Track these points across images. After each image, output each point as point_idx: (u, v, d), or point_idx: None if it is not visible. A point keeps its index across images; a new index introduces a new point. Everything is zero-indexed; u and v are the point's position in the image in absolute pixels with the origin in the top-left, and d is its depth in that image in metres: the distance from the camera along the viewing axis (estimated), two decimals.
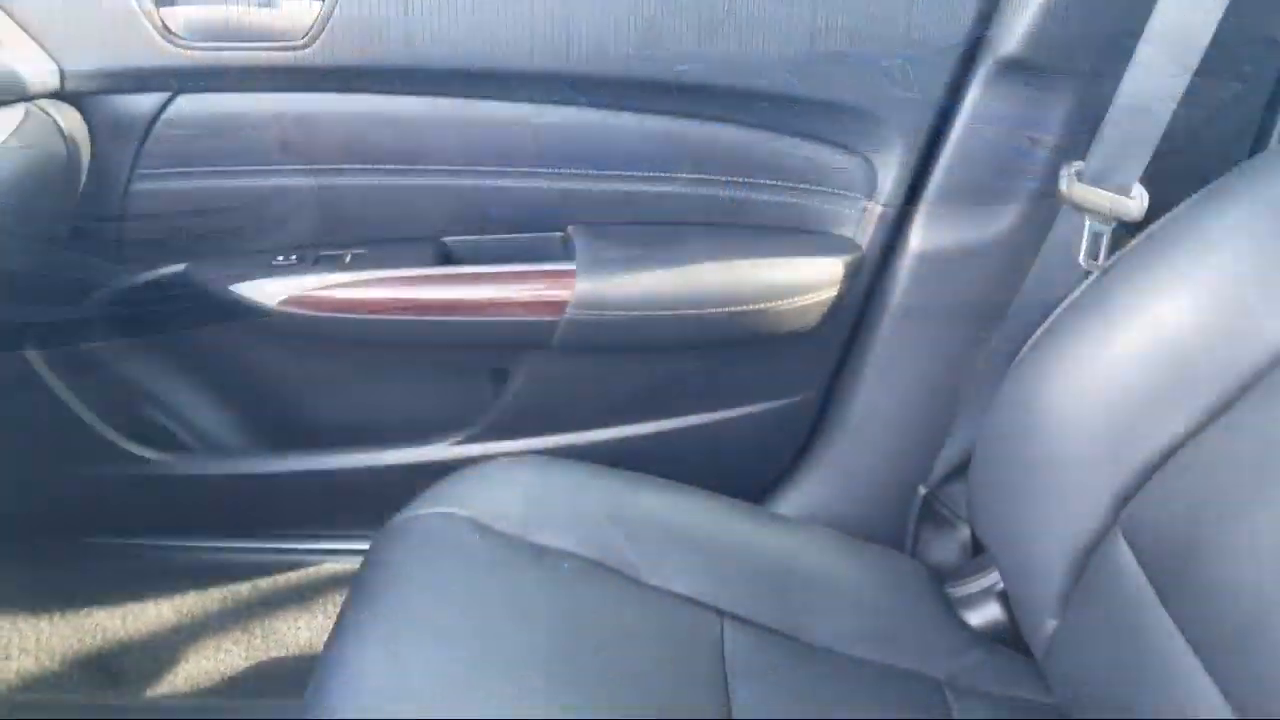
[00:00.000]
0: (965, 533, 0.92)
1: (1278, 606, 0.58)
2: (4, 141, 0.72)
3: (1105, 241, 0.79)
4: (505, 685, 0.66)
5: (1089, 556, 0.72)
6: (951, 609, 0.86)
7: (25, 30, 0.80)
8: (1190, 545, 0.65)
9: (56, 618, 1.03)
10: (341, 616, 0.71)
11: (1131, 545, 0.69)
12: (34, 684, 1.00)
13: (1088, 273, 0.80)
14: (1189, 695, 0.62)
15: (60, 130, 0.79)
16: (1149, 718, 0.65)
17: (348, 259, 0.90)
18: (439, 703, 0.64)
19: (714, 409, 0.99)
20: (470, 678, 0.66)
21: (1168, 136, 0.79)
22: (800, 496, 1.01)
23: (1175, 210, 0.73)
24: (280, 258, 0.90)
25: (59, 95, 0.81)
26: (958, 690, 0.77)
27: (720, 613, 0.76)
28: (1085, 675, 0.73)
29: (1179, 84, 0.75)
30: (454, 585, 0.72)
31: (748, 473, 0.97)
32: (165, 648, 1.03)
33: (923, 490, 0.94)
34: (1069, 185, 0.80)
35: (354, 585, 0.74)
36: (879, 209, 0.91)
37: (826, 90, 0.87)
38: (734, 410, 0.99)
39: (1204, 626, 0.62)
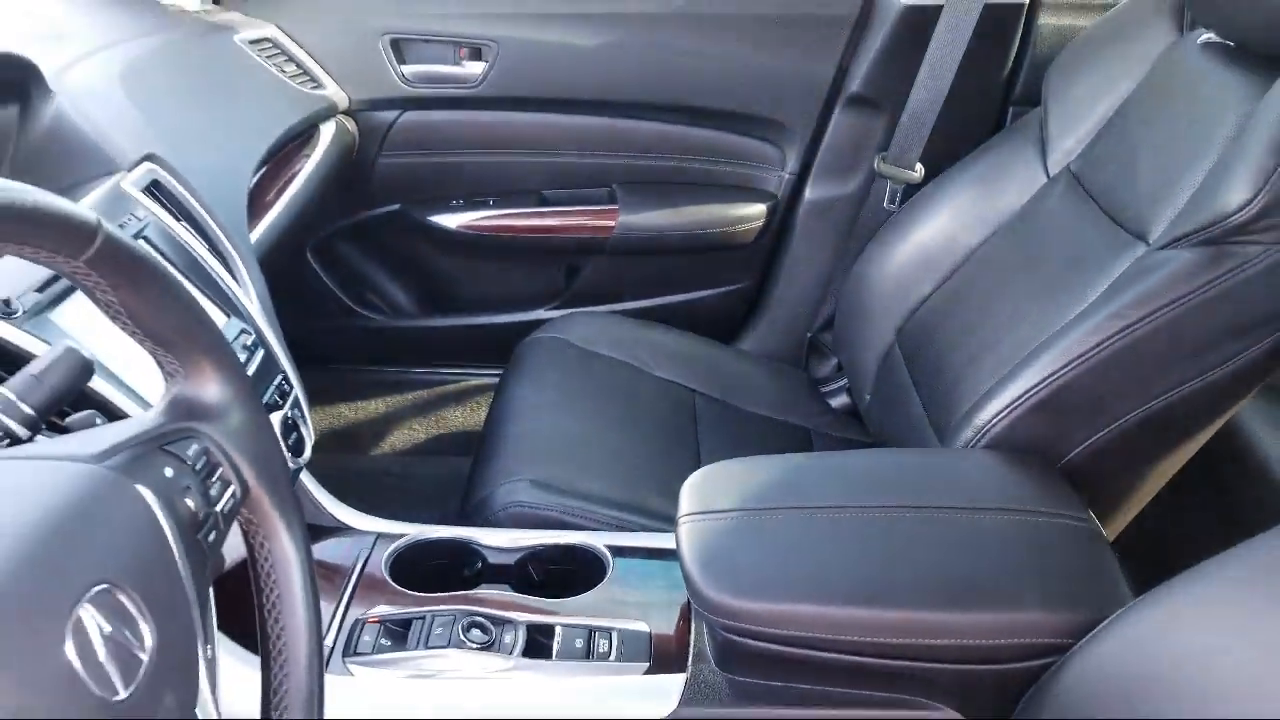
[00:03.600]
0: (833, 360, 1.61)
1: (950, 365, 1.26)
2: (332, 138, 1.42)
3: (899, 196, 1.48)
4: (583, 413, 1.34)
5: (884, 359, 1.40)
6: (822, 397, 1.55)
7: (332, 77, 1.50)
8: (924, 344, 1.33)
9: (317, 407, 1.70)
10: (500, 385, 1.41)
11: (901, 350, 1.38)
12: None
13: (890, 212, 1.48)
14: (912, 416, 1.30)
15: (349, 130, 1.48)
16: (899, 434, 1.34)
17: (490, 202, 1.60)
18: (549, 414, 1.32)
19: (694, 290, 1.68)
20: (566, 406, 1.34)
21: (940, 133, 1.45)
22: (741, 343, 1.70)
23: (936, 178, 1.41)
24: (455, 201, 1.59)
25: (347, 112, 1.50)
26: (817, 434, 1.47)
27: (693, 391, 1.45)
28: (881, 420, 1.42)
29: (937, 103, 1.42)
30: (558, 369, 1.42)
31: (712, 329, 1.65)
32: (377, 426, 1.70)
33: (810, 335, 1.64)
34: (879, 164, 1.49)
35: (504, 373, 1.43)
36: (786, 175, 1.60)
37: (757, 110, 1.56)
38: (704, 291, 1.69)
39: (922, 380, 1.31)
